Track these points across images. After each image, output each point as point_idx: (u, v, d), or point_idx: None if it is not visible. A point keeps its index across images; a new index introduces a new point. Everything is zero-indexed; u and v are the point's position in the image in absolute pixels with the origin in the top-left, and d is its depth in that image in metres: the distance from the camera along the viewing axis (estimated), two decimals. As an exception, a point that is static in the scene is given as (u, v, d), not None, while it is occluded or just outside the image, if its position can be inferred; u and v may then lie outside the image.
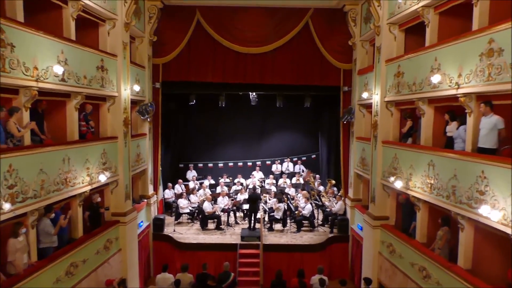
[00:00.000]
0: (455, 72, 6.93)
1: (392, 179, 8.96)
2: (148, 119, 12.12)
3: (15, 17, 6.32)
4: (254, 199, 12.65)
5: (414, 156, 8.32)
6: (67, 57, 7.50)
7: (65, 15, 7.96)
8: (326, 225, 13.32)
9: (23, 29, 6.30)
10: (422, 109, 8.24)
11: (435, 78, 7.30)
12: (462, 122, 7.25)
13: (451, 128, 7.56)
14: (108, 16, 9.35)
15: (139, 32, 11.50)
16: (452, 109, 7.57)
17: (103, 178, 8.77)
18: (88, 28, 9.31)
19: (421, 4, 8.11)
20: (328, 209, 13.43)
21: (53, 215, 7.44)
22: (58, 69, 6.99)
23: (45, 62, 6.84)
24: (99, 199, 9.28)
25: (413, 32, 9.40)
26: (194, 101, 14.03)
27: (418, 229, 8.47)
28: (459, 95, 6.81)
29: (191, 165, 16.55)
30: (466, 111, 6.81)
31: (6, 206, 5.67)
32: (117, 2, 9.57)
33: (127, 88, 10.15)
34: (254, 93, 14.86)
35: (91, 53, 8.54)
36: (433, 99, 7.95)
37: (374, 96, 10.33)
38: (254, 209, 12.60)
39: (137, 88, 11.01)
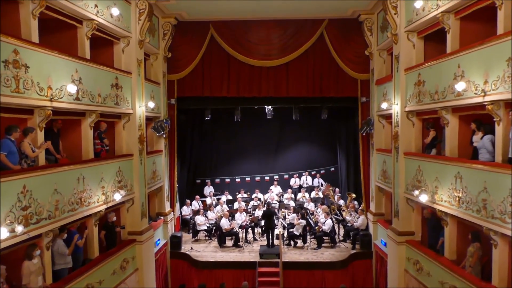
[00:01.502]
0: (480, 78, 6.58)
1: (416, 192, 8.54)
2: (164, 136, 12.06)
3: (30, 38, 6.37)
4: (269, 215, 12.35)
5: (439, 168, 7.91)
6: (82, 76, 7.51)
7: (80, 34, 8.03)
8: (347, 241, 12.85)
9: (37, 50, 6.34)
10: (446, 118, 7.86)
11: (460, 86, 6.95)
12: (486, 131, 6.87)
13: (477, 138, 7.16)
14: (122, 34, 9.41)
15: (153, 49, 11.55)
16: (478, 118, 7.18)
17: (118, 197, 8.67)
18: (103, 46, 9.39)
19: (440, 10, 7.81)
20: (349, 224, 12.98)
21: (65, 235, 7.33)
22: (72, 88, 6.98)
23: (59, 81, 6.84)
24: (114, 218, 9.16)
25: (433, 39, 9.10)
26: (210, 116, 13.95)
27: (447, 245, 7.99)
28: (486, 103, 6.45)
29: (208, 181, 16.40)
30: (494, 119, 6.43)
31: (19, 228, 5.57)
32: (131, 20, 9.64)
33: (142, 105, 10.13)
34: (269, 107, 14.70)
35: (105, 71, 8.56)
36: (457, 107, 7.57)
37: (394, 106, 9.99)
38: (270, 225, 12.29)
39: (152, 104, 11.00)
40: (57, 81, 6.77)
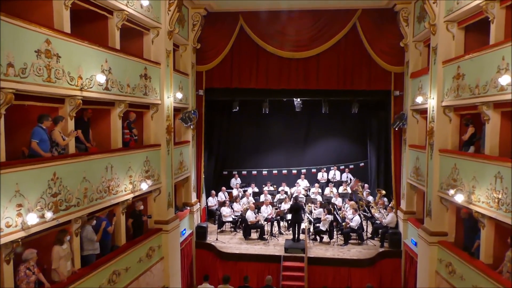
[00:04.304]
0: (527, 72, 6.10)
1: (451, 192, 8.10)
2: (191, 127, 12.11)
3: (62, 28, 6.46)
4: (296, 209, 12.17)
5: (478, 167, 7.46)
6: (111, 66, 7.58)
7: (110, 25, 8.10)
8: (376, 239, 12.50)
9: (68, 40, 6.42)
10: (487, 114, 7.37)
11: (504, 80, 6.47)
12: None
13: (521, 136, 6.67)
14: (152, 24, 9.43)
15: (183, 40, 11.55)
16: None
17: (144, 186, 8.77)
18: (133, 37, 9.46)
19: (484, -3, 7.30)
20: (378, 221, 12.60)
21: (94, 222, 7.49)
22: (101, 78, 7.06)
23: (89, 71, 6.93)
24: (142, 207, 9.30)
25: (474, 29, 8.56)
26: (238, 107, 13.87)
27: (483, 248, 7.55)
28: (532, 98, 5.97)
29: (235, 173, 16.40)
30: (542, 116, 5.95)
31: (48, 214, 5.71)
32: (161, 11, 9.64)
33: (170, 96, 10.17)
34: (298, 99, 14.43)
35: (134, 62, 8.62)
36: (500, 103, 7.07)
37: (430, 100, 9.50)
38: (297, 219, 12.12)
39: (180, 95, 11.03)
40: (87, 71, 6.86)
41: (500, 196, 6.74)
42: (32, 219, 5.39)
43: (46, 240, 6.39)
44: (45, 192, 5.87)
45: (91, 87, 6.98)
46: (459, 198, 7.87)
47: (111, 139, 8.22)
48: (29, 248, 5.86)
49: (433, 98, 9.33)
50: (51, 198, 6.00)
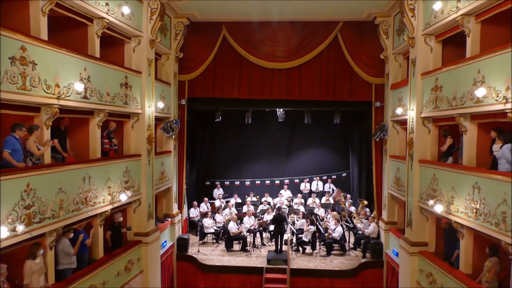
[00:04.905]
0: (502, 85, 6.26)
1: (431, 202, 8.19)
2: (173, 136, 11.95)
3: (39, 35, 6.31)
4: (279, 220, 12.11)
5: (456, 178, 7.57)
6: (90, 74, 7.43)
7: (90, 32, 7.98)
8: (358, 249, 12.51)
9: (45, 47, 6.27)
10: (464, 125, 7.53)
11: (480, 92, 6.63)
12: (506, 140, 6.53)
13: (497, 147, 6.81)
14: (133, 33, 9.33)
15: (165, 49, 11.46)
16: (499, 126, 6.83)
17: (124, 197, 8.56)
18: (114, 45, 9.33)
19: (460, 12, 7.50)
20: (360, 232, 12.64)
21: (71, 234, 7.24)
22: (79, 87, 6.90)
23: (67, 79, 6.77)
24: (121, 219, 9.06)
25: (451, 43, 8.78)
26: (220, 117, 13.81)
27: (462, 258, 7.63)
28: (507, 110, 6.12)
29: (217, 183, 16.24)
30: (517, 128, 6.10)
31: (20, 227, 5.48)
32: (143, 20, 9.56)
33: (152, 105, 10.04)
34: (281, 109, 14.48)
35: (115, 70, 8.48)
36: (476, 114, 7.23)
37: (409, 111, 9.67)
38: (279, 230, 12.04)
39: (161, 105, 10.89)
40: (65, 79, 6.70)
41: (478, 207, 6.84)
42: (2, 232, 5.15)
43: (18, 254, 6.13)
44: (18, 204, 5.65)
45: (69, 96, 6.80)
46: (439, 209, 7.96)
47: (89, 149, 8.00)
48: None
49: (412, 110, 9.49)
50: (24, 210, 5.77)
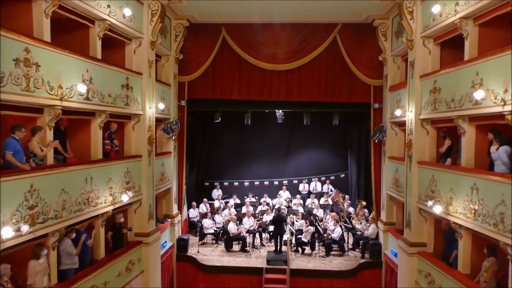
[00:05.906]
0: (500, 87, 6.34)
1: (430, 203, 8.28)
2: (173, 137, 12.00)
3: (42, 37, 6.35)
4: (278, 221, 12.17)
5: (455, 179, 7.66)
6: (92, 76, 7.48)
7: (92, 34, 8.02)
8: (356, 250, 12.60)
9: (48, 49, 6.31)
10: (462, 127, 7.62)
11: (478, 94, 6.71)
12: (502, 142, 6.62)
13: (494, 149, 6.91)
14: (134, 35, 9.38)
15: (165, 50, 11.51)
16: (496, 128, 6.93)
17: (125, 198, 8.60)
18: (115, 47, 9.38)
19: (459, 15, 7.59)
20: (358, 233, 12.72)
21: (74, 235, 7.28)
22: (82, 88, 6.95)
23: (70, 81, 6.81)
24: (122, 219, 9.11)
25: (450, 45, 8.87)
26: (220, 119, 13.87)
27: (460, 258, 7.71)
28: (505, 113, 6.20)
29: (217, 184, 16.28)
30: (514, 129, 6.19)
31: (24, 228, 5.52)
32: (143, 21, 9.61)
33: (152, 106, 10.09)
34: (280, 111, 14.56)
35: (116, 72, 8.52)
36: (474, 116, 7.33)
37: (408, 113, 9.76)
38: (279, 231, 12.10)
39: (162, 106, 10.94)
40: (68, 81, 6.75)
41: (476, 207, 6.92)
42: (7, 232, 5.19)
43: (21, 255, 6.16)
44: (21, 204, 5.68)
45: (72, 97, 6.85)
46: (437, 209, 8.04)
47: (91, 150, 8.05)
48: (3, 263, 5.64)
49: (411, 111, 9.58)
50: (28, 210, 5.81)
